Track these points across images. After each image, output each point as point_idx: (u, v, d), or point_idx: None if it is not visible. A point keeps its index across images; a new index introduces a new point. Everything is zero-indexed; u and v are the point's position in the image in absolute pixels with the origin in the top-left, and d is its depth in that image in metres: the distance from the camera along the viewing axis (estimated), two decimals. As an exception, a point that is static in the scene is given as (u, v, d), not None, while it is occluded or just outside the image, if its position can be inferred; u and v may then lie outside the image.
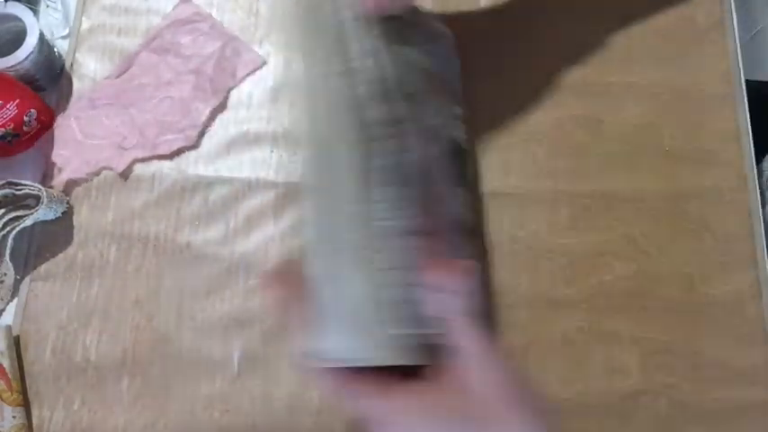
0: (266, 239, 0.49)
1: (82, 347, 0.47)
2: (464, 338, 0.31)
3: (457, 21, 0.54)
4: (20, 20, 0.49)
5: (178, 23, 0.53)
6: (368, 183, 0.33)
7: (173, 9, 0.54)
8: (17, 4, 0.50)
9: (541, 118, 0.51)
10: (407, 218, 0.33)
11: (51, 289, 0.48)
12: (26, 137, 0.49)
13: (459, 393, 0.31)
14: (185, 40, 0.53)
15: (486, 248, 0.48)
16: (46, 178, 0.50)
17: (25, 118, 0.48)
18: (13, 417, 0.44)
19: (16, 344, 0.47)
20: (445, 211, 0.37)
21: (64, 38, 0.54)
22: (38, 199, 0.47)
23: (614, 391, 0.45)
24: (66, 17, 0.55)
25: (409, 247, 0.32)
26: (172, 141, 0.51)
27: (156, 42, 0.53)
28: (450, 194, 0.41)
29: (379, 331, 0.31)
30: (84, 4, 0.55)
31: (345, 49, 0.36)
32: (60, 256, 0.49)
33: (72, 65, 0.53)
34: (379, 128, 0.34)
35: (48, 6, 0.55)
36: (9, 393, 0.44)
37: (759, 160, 0.51)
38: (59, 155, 0.50)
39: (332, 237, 0.33)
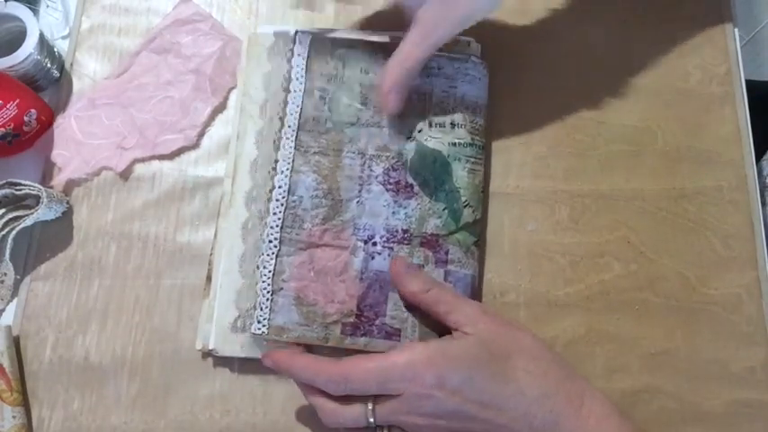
0: (266, 239, 0.48)
1: (82, 347, 0.47)
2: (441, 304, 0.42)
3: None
4: (20, 20, 0.49)
5: (178, 23, 0.53)
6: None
7: (173, 9, 0.54)
8: (17, 4, 0.50)
9: (541, 118, 0.51)
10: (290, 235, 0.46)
11: (51, 289, 0.48)
12: (26, 137, 0.49)
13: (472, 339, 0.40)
14: (185, 40, 0.53)
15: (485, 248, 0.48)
16: (46, 178, 0.50)
17: (25, 118, 0.48)
18: (13, 417, 0.44)
19: (16, 344, 0.47)
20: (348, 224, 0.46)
21: (64, 38, 0.54)
22: (38, 199, 0.47)
23: (614, 390, 0.45)
24: (66, 17, 0.55)
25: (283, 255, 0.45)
26: (172, 141, 0.51)
27: (156, 42, 0.53)
28: (392, 205, 0.47)
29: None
30: (84, 4, 0.55)
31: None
32: (60, 256, 0.49)
33: (72, 65, 0.53)
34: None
35: (48, 6, 0.55)
36: (9, 393, 0.44)
37: (759, 160, 0.51)
38: (59, 155, 0.50)
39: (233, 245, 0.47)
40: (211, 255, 0.47)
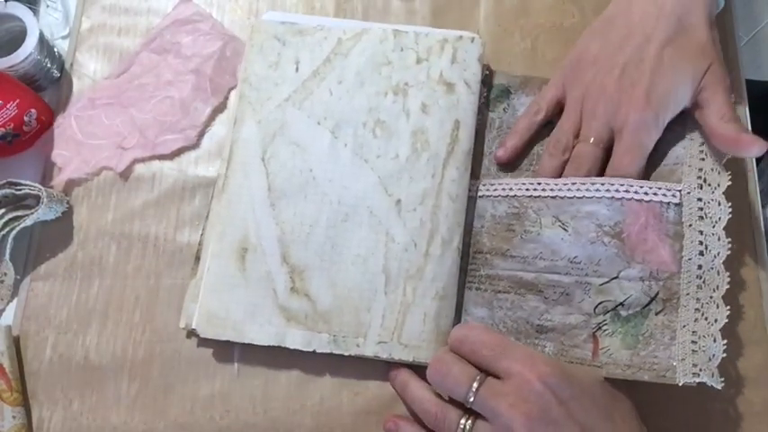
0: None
1: (82, 347, 0.47)
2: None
3: (457, 25, 0.54)
4: (20, 20, 0.49)
5: (178, 23, 0.53)
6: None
7: (173, 9, 0.54)
8: (17, 4, 0.50)
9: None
10: None
11: (51, 289, 0.48)
12: (26, 137, 0.49)
13: None
14: (185, 40, 0.53)
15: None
16: (46, 178, 0.50)
17: (25, 118, 0.48)
18: (13, 417, 0.44)
19: (16, 344, 0.47)
20: None
21: (64, 38, 0.54)
22: (38, 199, 0.47)
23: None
24: (66, 17, 0.55)
25: None
26: (172, 141, 0.51)
27: (156, 42, 0.53)
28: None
29: None
30: (84, 4, 0.55)
31: None
32: (60, 256, 0.49)
33: (72, 65, 0.53)
34: None
35: (48, 6, 0.55)
36: (9, 393, 0.44)
37: (759, 160, 0.51)
38: (59, 155, 0.50)
39: None
40: (202, 235, 0.48)
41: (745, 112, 0.51)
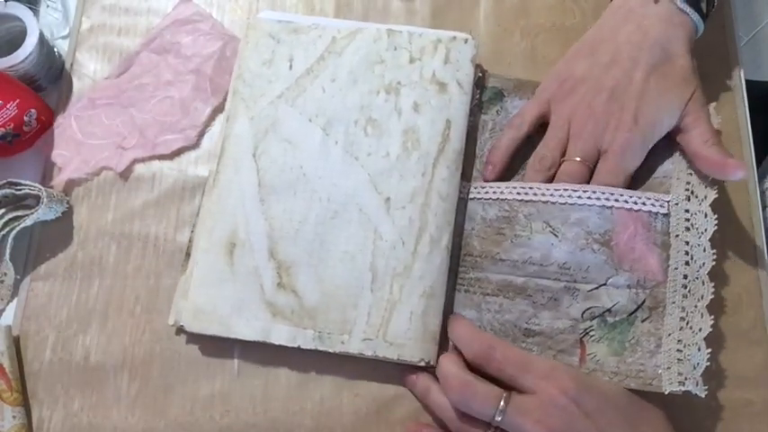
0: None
1: (82, 347, 0.47)
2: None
3: (457, 25, 0.54)
4: (20, 20, 0.49)
5: (178, 23, 0.53)
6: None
7: (173, 9, 0.54)
8: (17, 4, 0.50)
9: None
10: None
11: (51, 289, 0.48)
12: (26, 137, 0.49)
13: None
14: (185, 40, 0.53)
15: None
16: (46, 178, 0.50)
17: (25, 118, 0.48)
18: (13, 417, 0.44)
19: (16, 344, 0.47)
20: None
21: (64, 38, 0.54)
22: (38, 199, 0.47)
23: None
24: (66, 17, 0.55)
25: None
26: (172, 141, 0.51)
27: (157, 42, 0.53)
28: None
29: None
30: (84, 4, 0.55)
31: None
32: (60, 256, 0.49)
33: (72, 65, 0.53)
34: None
35: (48, 6, 0.55)
36: (9, 393, 0.44)
37: (759, 160, 0.51)
38: (59, 155, 0.50)
39: None
40: (192, 232, 0.48)
41: (745, 112, 0.51)
